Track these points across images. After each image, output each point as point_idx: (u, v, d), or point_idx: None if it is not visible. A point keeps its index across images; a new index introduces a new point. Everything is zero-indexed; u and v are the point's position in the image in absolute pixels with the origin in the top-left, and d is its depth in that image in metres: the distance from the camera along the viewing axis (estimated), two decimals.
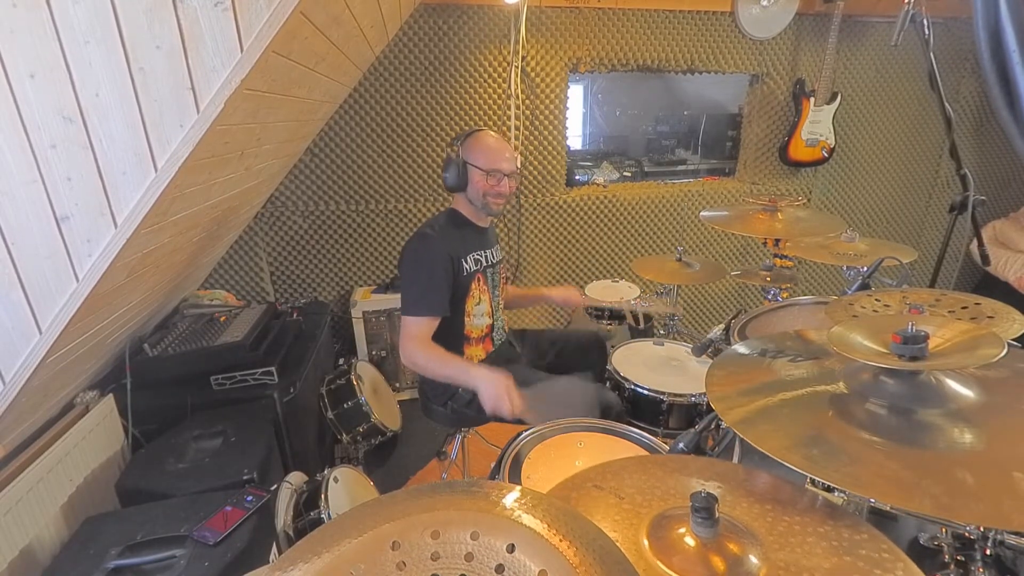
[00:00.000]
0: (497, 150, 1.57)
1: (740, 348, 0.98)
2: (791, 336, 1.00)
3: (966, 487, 0.59)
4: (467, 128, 1.64)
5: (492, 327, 1.71)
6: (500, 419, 1.49)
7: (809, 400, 0.78)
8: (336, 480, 1.53)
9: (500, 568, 0.54)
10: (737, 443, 1.14)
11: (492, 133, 1.61)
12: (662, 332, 2.37)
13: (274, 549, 1.32)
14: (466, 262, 1.58)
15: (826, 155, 3.08)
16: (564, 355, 1.91)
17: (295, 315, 2.27)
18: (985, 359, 0.69)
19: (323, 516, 1.41)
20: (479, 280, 1.63)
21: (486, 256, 1.66)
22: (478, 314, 1.64)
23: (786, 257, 1.98)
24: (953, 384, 0.74)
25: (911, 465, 0.63)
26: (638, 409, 1.62)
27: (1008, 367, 0.78)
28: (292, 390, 1.75)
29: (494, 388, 1.38)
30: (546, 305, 1.98)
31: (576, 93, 3.51)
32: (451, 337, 1.57)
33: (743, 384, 0.85)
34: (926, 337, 0.73)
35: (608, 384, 1.71)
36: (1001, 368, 0.77)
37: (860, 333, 0.81)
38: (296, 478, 1.57)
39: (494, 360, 1.70)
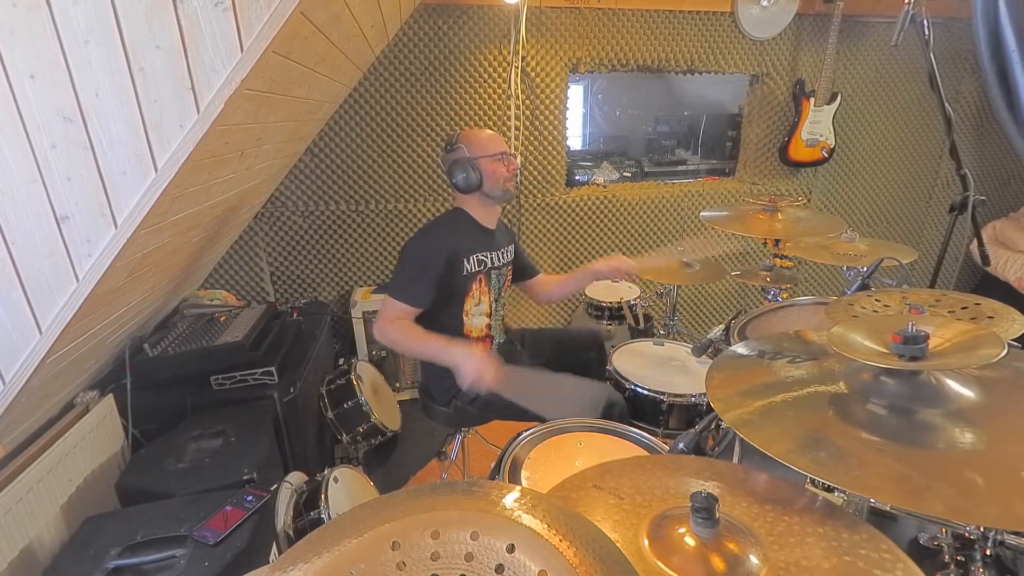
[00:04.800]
0: (494, 136, 1.63)
1: (738, 349, 0.98)
2: (789, 337, 1.00)
3: (976, 489, 0.59)
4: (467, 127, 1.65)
5: (490, 327, 1.72)
6: (475, 402, 1.54)
7: (809, 401, 0.78)
8: (336, 480, 1.53)
9: (500, 568, 0.54)
10: (737, 443, 1.14)
11: (473, 127, 1.63)
12: (662, 332, 2.37)
13: (274, 549, 1.32)
14: (467, 262, 1.58)
15: (826, 155, 3.08)
16: (563, 353, 1.91)
17: (295, 315, 2.27)
18: (985, 359, 0.68)
19: (323, 516, 1.41)
20: (480, 281, 1.63)
21: (492, 258, 1.66)
22: (476, 314, 1.65)
23: (786, 257, 1.98)
24: (953, 384, 0.74)
25: (919, 467, 0.63)
26: (638, 409, 1.62)
27: (1008, 367, 0.78)
28: (292, 390, 1.75)
29: (472, 362, 1.39)
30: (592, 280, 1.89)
31: (576, 93, 3.51)
32: (450, 335, 1.58)
33: (743, 385, 0.85)
34: (926, 337, 0.73)
35: (608, 384, 1.71)
36: (1001, 368, 0.77)
37: (860, 333, 0.81)
38: (296, 478, 1.57)
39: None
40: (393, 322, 1.49)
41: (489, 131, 1.64)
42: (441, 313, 1.57)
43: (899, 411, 0.73)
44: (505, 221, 2.86)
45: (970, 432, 0.68)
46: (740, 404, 0.79)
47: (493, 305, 1.70)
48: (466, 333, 1.65)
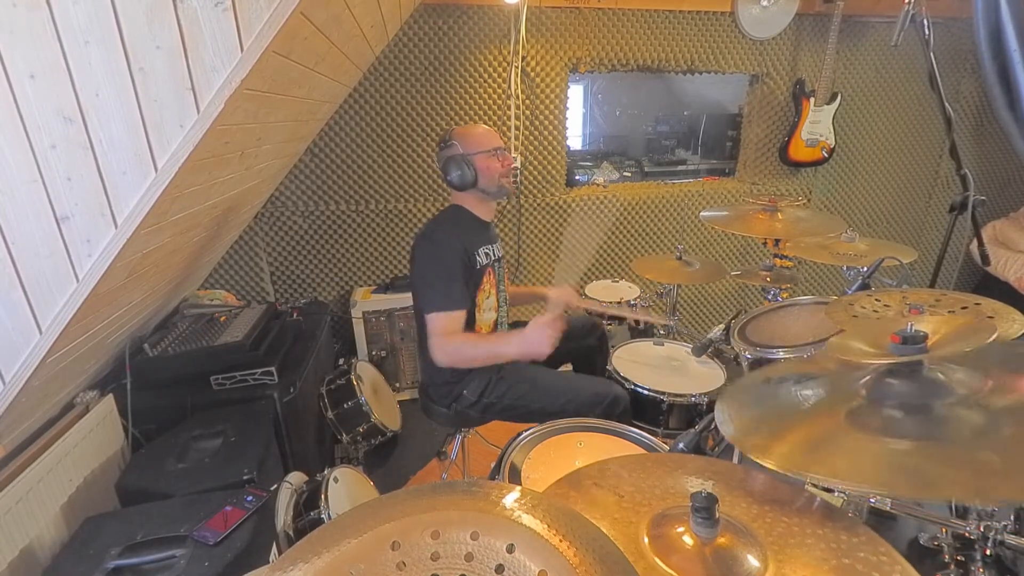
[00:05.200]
0: (488, 131, 1.62)
1: (744, 382, 0.96)
2: (791, 363, 0.99)
3: (993, 467, 0.59)
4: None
5: (497, 322, 1.72)
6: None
7: (822, 415, 0.77)
8: (336, 480, 1.53)
9: (500, 568, 0.54)
10: None
11: (468, 124, 1.62)
12: (662, 332, 2.37)
13: (274, 549, 1.32)
14: (478, 255, 1.59)
15: (826, 155, 3.07)
16: (563, 344, 1.91)
17: (295, 315, 2.27)
18: (980, 341, 0.68)
19: (323, 516, 1.41)
20: (489, 274, 1.64)
21: (493, 250, 1.67)
22: (487, 308, 1.65)
23: (786, 257, 1.98)
24: (958, 373, 0.73)
25: (934, 457, 0.62)
26: (638, 409, 1.62)
27: (1008, 353, 0.78)
28: (292, 390, 1.75)
29: (534, 341, 1.43)
30: (543, 303, 1.96)
31: (576, 93, 3.51)
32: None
33: (755, 415, 0.84)
34: (925, 337, 0.73)
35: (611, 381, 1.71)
36: (1000, 362, 0.77)
37: (858, 340, 0.81)
38: (296, 478, 1.57)
39: None
40: (449, 338, 1.48)
41: (483, 126, 1.63)
42: None
43: (910, 409, 0.72)
44: (503, 221, 2.88)
45: (981, 416, 0.67)
46: (756, 434, 0.78)
47: (499, 299, 1.71)
48: (476, 329, 1.64)
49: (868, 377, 0.78)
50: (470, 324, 1.62)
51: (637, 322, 2.28)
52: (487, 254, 1.63)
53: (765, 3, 2.77)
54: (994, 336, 0.68)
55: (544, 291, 1.95)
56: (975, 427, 0.66)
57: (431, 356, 1.51)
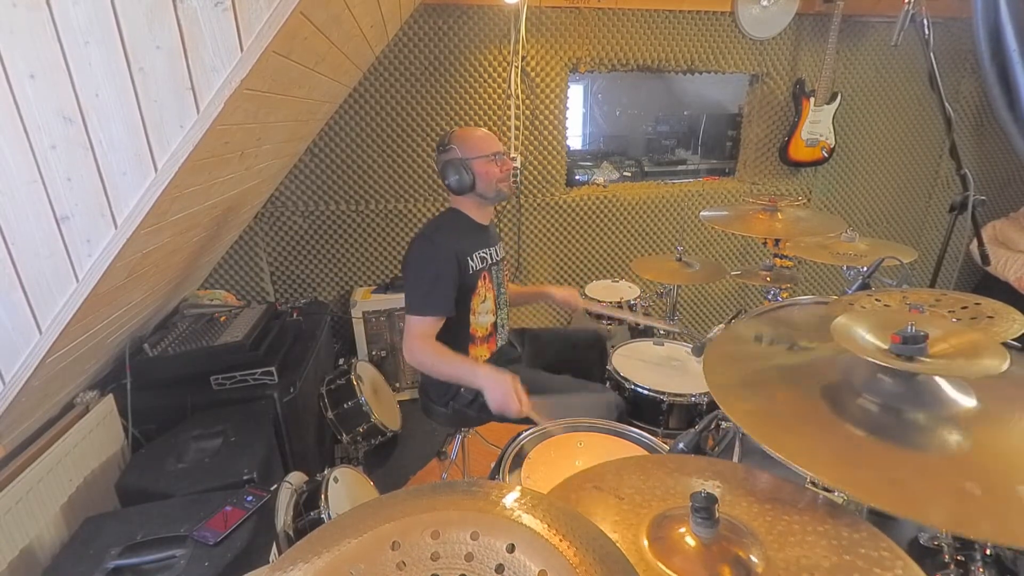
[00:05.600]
0: (488, 135, 1.60)
1: (738, 330, 0.97)
2: (788, 323, 1.00)
3: (975, 500, 0.58)
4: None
5: (496, 325, 1.72)
6: (505, 419, 1.48)
7: (802, 384, 0.77)
8: (336, 480, 1.53)
9: (500, 568, 0.54)
10: (737, 443, 1.14)
11: (467, 126, 1.61)
12: (662, 332, 2.37)
13: (274, 549, 1.32)
14: (472, 260, 1.58)
15: (826, 155, 3.07)
16: (564, 354, 1.91)
17: (295, 315, 2.28)
18: (985, 371, 0.66)
19: (323, 516, 1.41)
20: (485, 278, 1.63)
21: (490, 254, 1.66)
22: (483, 312, 1.65)
23: (786, 257, 1.98)
24: (950, 389, 0.73)
25: (915, 473, 0.62)
26: (638, 409, 1.62)
27: (1007, 376, 0.77)
28: (292, 390, 1.75)
29: (501, 388, 1.38)
30: (546, 304, 1.96)
31: (576, 93, 3.51)
32: (457, 337, 1.58)
33: (737, 360, 0.84)
34: (925, 338, 0.72)
35: (608, 384, 1.71)
36: (1001, 376, 0.76)
37: (863, 326, 0.80)
38: (296, 478, 1.57)
39: (496, 360, 1.71)
40: (422, 342, 1.48)
41: (483, 130, 1.62)
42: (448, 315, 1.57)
43: (892, 410, 0.71)
44: (503, 221, 2.88)
45: (967, 441, 0.66)
46: (731, 376, 0.78)
47: (497, 302, 1.70)
48: (472, 333, 1.64)
49: (861, 364, 0.77)
50: (465, 327, 1.62)
51: (637, 322, 2.28)
52: (483, 258, 1.62)
53: (765, 3, 2.77)
54: (1005, 366, 0.66)
55: (548, 289, 1.95)
56: (955, 450, 0.65)
57: (403, 350, 1.52)
